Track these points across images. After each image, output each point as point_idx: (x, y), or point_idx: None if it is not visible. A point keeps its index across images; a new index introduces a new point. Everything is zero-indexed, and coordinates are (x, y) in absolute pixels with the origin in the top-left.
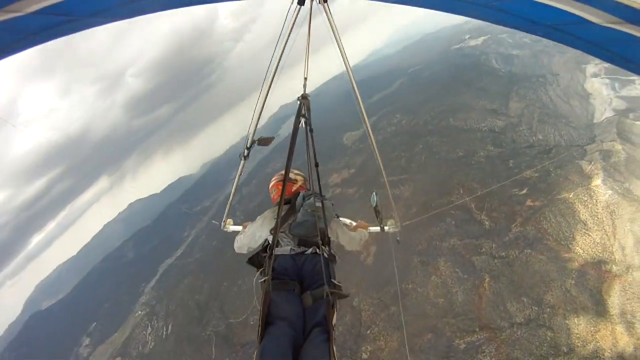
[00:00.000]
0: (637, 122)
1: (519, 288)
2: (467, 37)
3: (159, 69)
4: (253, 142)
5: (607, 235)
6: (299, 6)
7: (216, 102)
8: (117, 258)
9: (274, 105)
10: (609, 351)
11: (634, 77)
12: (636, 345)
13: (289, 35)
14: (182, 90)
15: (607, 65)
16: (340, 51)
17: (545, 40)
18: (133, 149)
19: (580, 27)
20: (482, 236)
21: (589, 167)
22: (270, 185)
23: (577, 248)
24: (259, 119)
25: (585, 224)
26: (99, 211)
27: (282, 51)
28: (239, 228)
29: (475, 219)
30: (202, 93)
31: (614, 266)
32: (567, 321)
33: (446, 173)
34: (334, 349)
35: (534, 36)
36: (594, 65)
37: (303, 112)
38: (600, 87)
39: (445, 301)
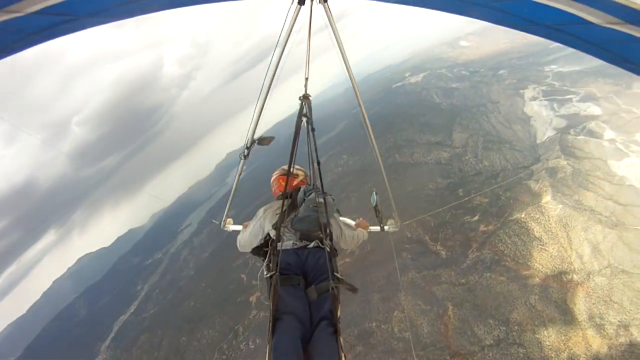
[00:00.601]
0: (579, 137)
1: (483, 311)
2: (407, 74)
3: (105, 118)
4: (253, 141)
5: (563, 247)
6: (299, 6)
7: (163, 151)
8: (68, 316)
9: (222, 151)
10: (584, 356)
11: (571, 96)
12: (609, 345)
13: (288, 35)
14: (128, 139)
15: (544, 87)
16: (341, 51)
17: (483, 71)
18: (81, 200)
19: (580, 28)
20: (439, 266)
21: (537, 185)
22: (272, 180)
23: (535, 264)
24: (259, 118)
25: (540, 240)
26: (47, 267)
27: (282, 51)
28: (239, 227)
29: (431, 250)
30: (149, 141)
31: (574, 275)
32: (537, 335)
33: (397, 208)
34: (341, 341)
35: (471, 68)
36: (532, 90)
37: (305, 111)
38: (540, 109)
39: (412, 334)
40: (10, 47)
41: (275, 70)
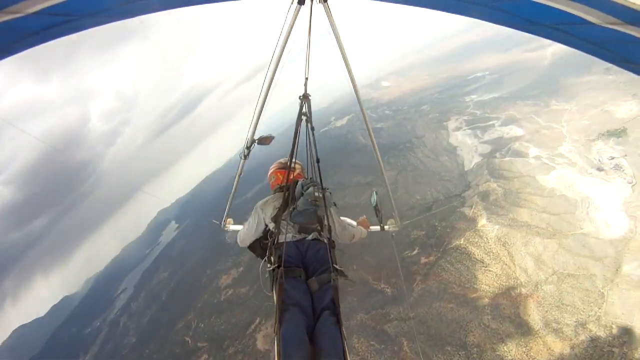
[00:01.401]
0: (505, 159)
1: (439, 340)
2: (332, 119)
3: (32, 176)
4: (253, 141)
5: (506, 264)
6: (299, 6)
7: (93, 211)
8: None
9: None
10: None
11: (493, 122)
12: (571, 345)
13: (288, 35)
14: (57, 199)
15: (466, 117)
16: (341, 51)
17: (405, 108)
18: (10, 267)
19: (580, 28)
20: (387, 304)
21: (471, 211)
22: (270, 172)
23: (482, 286)
24: (258, 118)
25: (483, 262)
26: None
27: (282, 51)
28: (239, 227)
29: (376, 289)
30: (78, 201)
31: (522, 288)
32: (497, 352)
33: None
34: (344, 331)
35: (394, 107)
36: (455, 121)
37: (304, 110)
38: (464, 138)
39: None
40: (11, 47)
41: (275, 70)
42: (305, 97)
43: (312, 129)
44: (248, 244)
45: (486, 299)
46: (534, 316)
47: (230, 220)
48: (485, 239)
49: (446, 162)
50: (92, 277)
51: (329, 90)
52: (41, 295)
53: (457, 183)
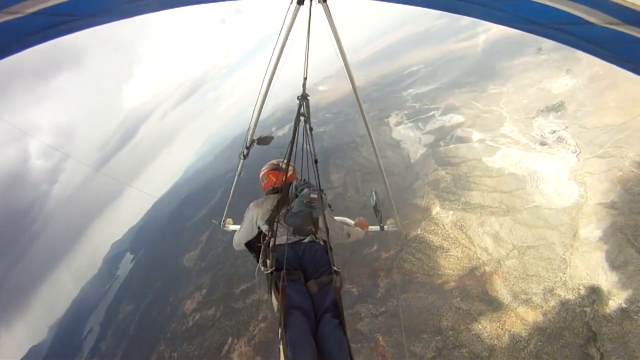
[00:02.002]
0: (450, 147)
1: (414, 330)
2: (274, 129)
3: None
4: (253, 141)
5: (466, 247)
6: (298, 6)
7: (45, 254)
8: None
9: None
10: (524, 331)
11: (433, 112)
12: (543, 312)
13: (287, 35)
14: (8, 246)
15: (406, 111)
16: (340, 50)
17: (345, 109)
18: None
19: (580, 28)
20: (355, 303)
21: (424, 201)
22: (262, 174)
23: (446, 271)
24: (258, 118)
25: (443, 248)
26: None
27: (281, 51)
28: (238, 227)
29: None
30: (28, 246)
31: (485, 267)
32: (472, 332)
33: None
34: (347, 332)
35: (334, 110)
36: (395, 116)
37: (302, 111)
38: (407, 131)
39: None
40: (11, 47)
41: (275, 70)
42: (303, 98)
43: (311, 129)
44: (243, 247)
45: (452, 283)
46: (502, 291)
47: (229, 220)
48: (441, 226)
49: (392, 157)
50: (55, 322)
51: (265, 101)
52: (7, 351)
53: (406, 176)
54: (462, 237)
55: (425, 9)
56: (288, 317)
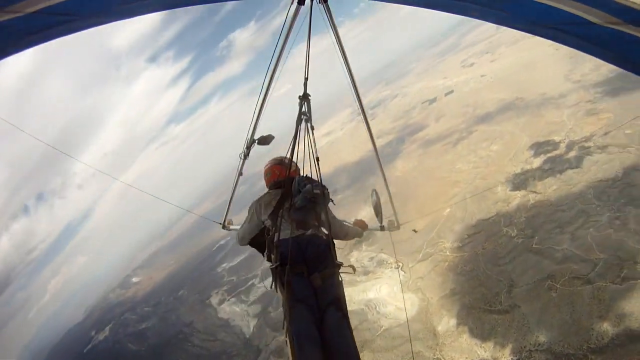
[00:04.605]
0: (279, 310)
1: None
2: (93, 333)
3: None
4: (253, 141)
5: None
6: (299, 6)
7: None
8: None
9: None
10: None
11: (252, 281)
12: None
13: (288, 35)
14: None
15: (225, 287)
16: (341, 50)
17: (164, 299)
18: None
19: (580, 28)
20: None
21: None
22: (266, 168)
23: None
24: (258, 118)
25: None
26: None
27: (281, 51)
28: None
29: None
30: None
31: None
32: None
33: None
34: (351, 325)
35: (153, 301)
36: (216, 295)
37: (304, 110)
38: (232, 308)
39: None
40: (11, 47)
41: (275, 70)
42: (304, 97)
43: (312, 128)
44: (247, 242)
45: None
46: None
47: (231, 220)
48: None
49: (226, 338)
50: None
51: (79, 299)
52: None
53: (247, 353)
54: None
55: None
56: (292, 311)
